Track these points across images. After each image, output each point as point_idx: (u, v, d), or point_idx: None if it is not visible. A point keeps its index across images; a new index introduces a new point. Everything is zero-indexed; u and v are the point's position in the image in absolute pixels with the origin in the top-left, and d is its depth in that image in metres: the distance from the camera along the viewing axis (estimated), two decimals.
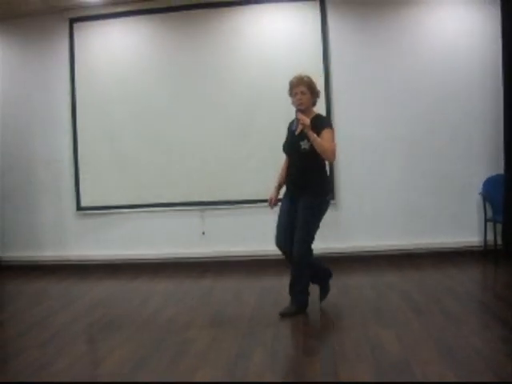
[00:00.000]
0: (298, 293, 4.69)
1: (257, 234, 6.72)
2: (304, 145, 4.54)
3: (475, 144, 6.68)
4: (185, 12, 6.99)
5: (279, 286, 5.58)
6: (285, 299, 4.82)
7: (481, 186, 6.63)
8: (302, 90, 4.61)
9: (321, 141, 4.46)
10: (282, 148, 4.82)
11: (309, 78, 4.67)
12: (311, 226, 4.64)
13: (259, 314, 4.73)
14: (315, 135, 4.45)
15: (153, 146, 7.06)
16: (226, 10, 6.93)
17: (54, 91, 7.27)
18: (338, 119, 6.77)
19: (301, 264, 4.65)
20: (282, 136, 4.91)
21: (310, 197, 4.60)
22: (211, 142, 6.95)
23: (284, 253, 4.73)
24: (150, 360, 3.72)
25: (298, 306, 4.67)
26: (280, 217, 4.76)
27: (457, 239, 6.69)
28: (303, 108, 4.61)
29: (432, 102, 6.72)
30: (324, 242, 6.79)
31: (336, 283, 5.71)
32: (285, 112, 6.53)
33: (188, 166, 6.97)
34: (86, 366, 3.75)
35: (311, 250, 4.71)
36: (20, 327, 4.68)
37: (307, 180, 4.63)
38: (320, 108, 6.68)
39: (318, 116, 4.73)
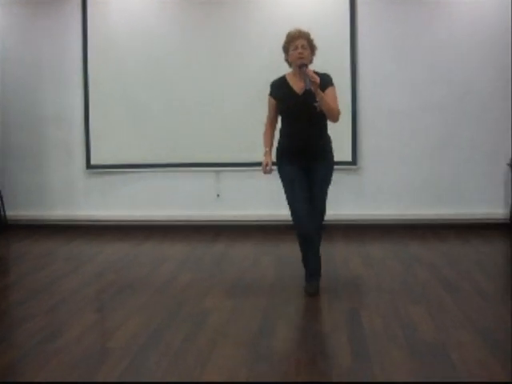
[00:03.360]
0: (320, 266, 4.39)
1: (273, 198, 6.34)
2: (319, 106, 4.01)
3: (506, 114, 6.31)
4: None
5: (297, 254, 5.34)
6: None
7: (510, 156, 6.32)
8: (303, 43, 4.07)
9: (329, 101, 4.01)
10: (284, 112, 4.21)
11: (308, 32, 4.17)
12: (327, 194, 4.28)
13: (278, 283, 4.47)
14: (323, 94, 3.98)
15: (168, 103, 6.72)
16: None
17: (65, 44, 6.92)
18: (363, 82, 6.50)
19: (319, 238, 4.31)
20: None
21: (329, 162, 4.25)
22: (230, 101, 6.60)
23: (311, 240, 4.18)
24: (165, 333, 3.46)
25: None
26: (294, 192, 4.13)
27: (482, 210, 6.41)
28: (306, 62, 4.07)
29: (464, 69, 6.37)
30: (344, 209, 6.57)
31: (358, 252, 5.49)
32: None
33: (204, 125, 6.64)
34: (97, 337, 3.50)
35: None
36: (26, 292, 4.42)
37: (324, 144, 4.23)
38: (345, 69, 6.45)
39: (318, 73, 4.12)
